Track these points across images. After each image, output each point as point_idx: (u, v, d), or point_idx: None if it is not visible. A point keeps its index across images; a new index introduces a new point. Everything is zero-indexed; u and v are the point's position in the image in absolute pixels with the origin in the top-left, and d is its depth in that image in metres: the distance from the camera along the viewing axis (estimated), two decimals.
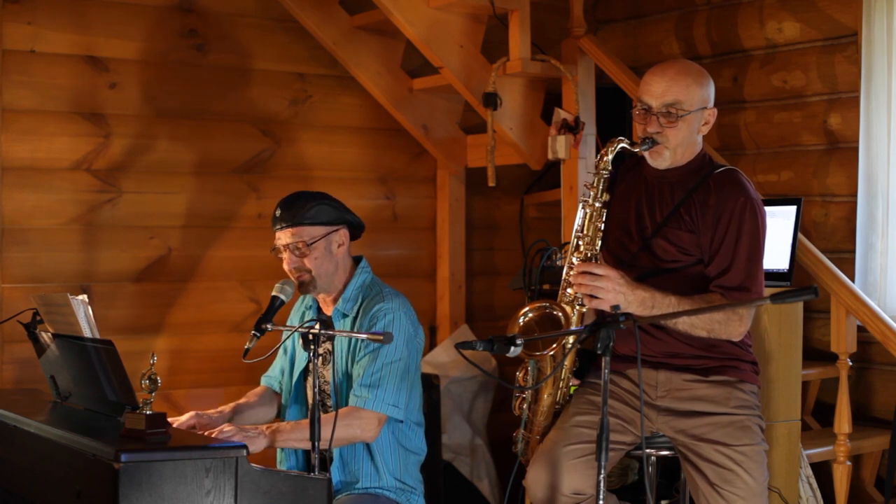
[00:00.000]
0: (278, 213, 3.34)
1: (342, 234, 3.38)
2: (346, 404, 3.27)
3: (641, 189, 3.30)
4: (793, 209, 3.91)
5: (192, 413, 3.30)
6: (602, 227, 3.23)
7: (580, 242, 3.22)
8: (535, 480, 3.19)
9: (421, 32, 4.45)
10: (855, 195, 4.47)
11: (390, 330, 3.25)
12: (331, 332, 3.01)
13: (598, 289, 3.08)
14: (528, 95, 4.73)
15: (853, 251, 4.47)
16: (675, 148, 3.22)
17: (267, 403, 3.56)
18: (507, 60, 4.53)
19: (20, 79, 4.24)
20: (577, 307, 3.19)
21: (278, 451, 3.48)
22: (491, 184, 4.60)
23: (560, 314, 3.17)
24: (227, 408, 3.44)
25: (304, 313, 3.56)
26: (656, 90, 3.19)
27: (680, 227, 3.21)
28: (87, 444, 2.68)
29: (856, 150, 4.46)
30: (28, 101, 4.26)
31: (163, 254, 4.54)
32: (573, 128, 4.54)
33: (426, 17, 4.46)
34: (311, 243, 3.31)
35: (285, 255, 3.35)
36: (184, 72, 4.58)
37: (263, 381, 3.64)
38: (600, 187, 3.23)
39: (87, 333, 2.97)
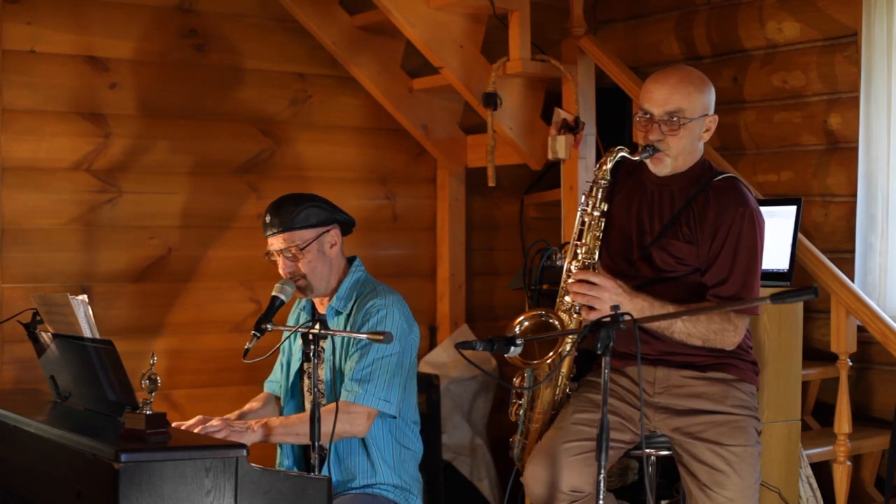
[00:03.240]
0: (268, 218, 3.34)
1: (334, 234, 3.38)
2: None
3: (641, 196, 3.30)
4: (793, 209, 3.90)
5: (198, 417, 3.30)
6: (600, 237, 3.22)
7: (578, 251, 3.20)
8: (533, 477, 3.19)
9: (421, 32, 4.45)
10: (855, 195, 4.47)
11: (383, 325, 3.26)
12: (330, 332, 3.01)
13: (594, 299, 3.08)
14: (528, 95, 4.73)
15: (853, 251, 4.47)
16: (676, 156, 3.21)
17: (270, 409, 3.56)
18: (507, 60, 4.53)
19: (20, 79, 4.24)
20: (575, 315, 3.18)
21: (277, 450, 3.48)
22: (491, 184, 4.60)
23: (556, 322, 3.16)
24: (232, 415, 3.43)
25: (299, 314, 3.57)
26: (658, 97, 3.18)
27: (678, 239, 3.21)
28: (87, 444, 2.68)
29: (856, 150, 4.46)
30: (28, 101, 4.26)
31: (163, 254, 4.54)
32: (573, 128, 4.53)
33: (426, 17, 4.46)
34: (304, 247, 3.31)
35: (280, 260, 3.36)
36: (183, 72, 4.58)
37: (266, 386, 3.64)
38: (598, 196, 3.20)
39: (87, 333, 2.96)
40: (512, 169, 5.06)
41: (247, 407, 3.53)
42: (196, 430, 3.08)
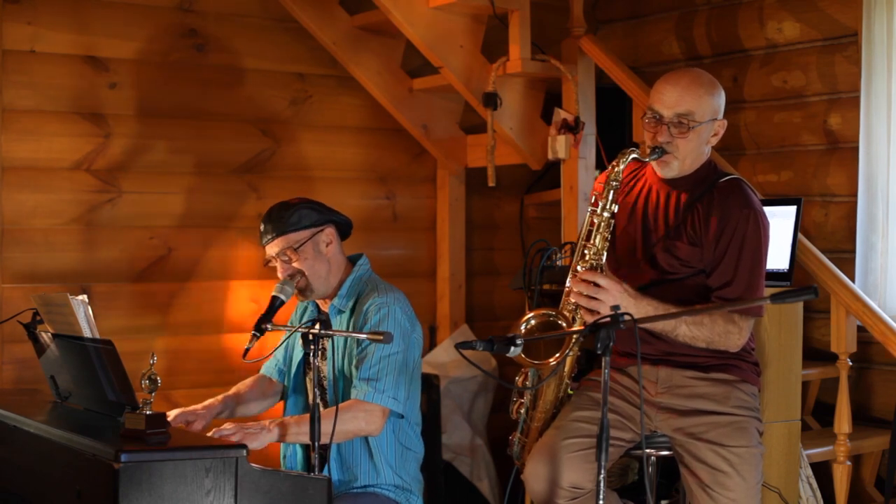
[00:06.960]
0: (262, 227, 3.37)
1: (328, 233, 3.39)
2: (344, 399, 3.27)
3: (646, 197, 3.30)
4: (793, 209, 3.90)
5: (178, 410, 3.29)
6: (609, 238, 3.21)
7: (586, 252, 3.19)
8: (533, 474, 3.19)
9: (421, 32, 4.45)
10: (855, 195, 4.47)
11: (385, 323, 3.26)
12: (331, 333, 3.01)
13: (598, 301, 3.07)
14: (528, 95, 4.73)
15: (853, 251, 4.47)
16: (683, 158, 3.21)
17: (259, 395, 3.53)
18: (507, 60, 4.53)
19: (20, 79, 4.24)
20: (580, 316, 3.17)
21: (281, 446, 3.48)
22: (491, 184, 4.60)
23: (563, 323, 3.16)
24: (215, 401, 3.40)
25: (305, 308, 3.57)
26: (669, 99, 3.17)
27: (682, 240, 3.20)
28: (87, 444, 2.68)
29: (856, 150, 4.46)
30: (28, 101, 4.26)
31: (162, 254, 4.54)
32: (573, 128, 4.54)
33: (426, 17, 4.46)
34: (298, 248, 3.32)
35: (278, 264, 3.37)
36: (184, 72, 4.58)
37: (263, 369, 3.61)
38: (610, 198, 3.19)
39: (86, 333, 2.97)
40: (512, 169, 5.06)
41: (232, 392, 3.50)
42: (210, 434, 3.06)
